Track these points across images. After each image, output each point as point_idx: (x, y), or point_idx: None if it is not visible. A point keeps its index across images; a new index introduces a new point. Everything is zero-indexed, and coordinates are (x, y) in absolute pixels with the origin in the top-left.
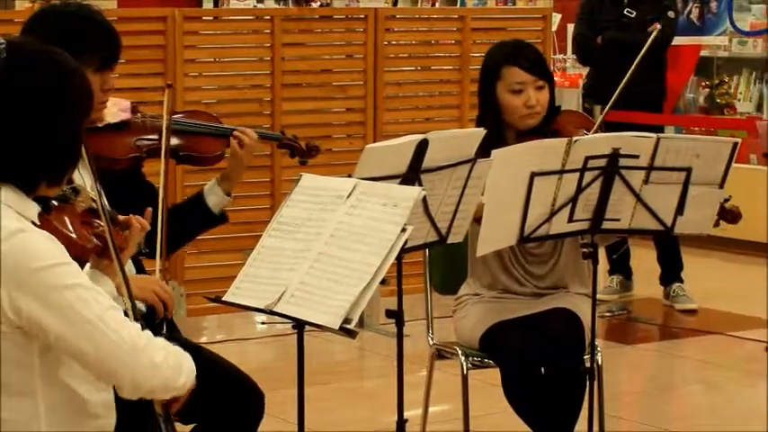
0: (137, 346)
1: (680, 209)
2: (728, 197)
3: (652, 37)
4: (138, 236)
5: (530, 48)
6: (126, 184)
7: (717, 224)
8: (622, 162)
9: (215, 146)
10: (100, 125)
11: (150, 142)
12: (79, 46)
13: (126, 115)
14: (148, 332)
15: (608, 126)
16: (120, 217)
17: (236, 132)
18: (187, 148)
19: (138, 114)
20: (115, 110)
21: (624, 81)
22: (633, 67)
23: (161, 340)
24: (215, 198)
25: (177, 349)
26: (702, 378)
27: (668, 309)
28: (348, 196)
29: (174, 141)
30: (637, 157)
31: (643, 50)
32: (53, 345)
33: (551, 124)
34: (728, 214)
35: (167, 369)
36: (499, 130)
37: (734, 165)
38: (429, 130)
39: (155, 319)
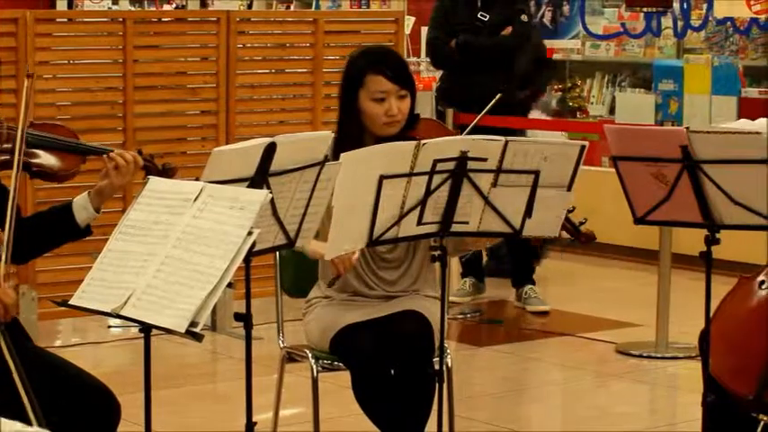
0: None
1: (528, 211)
2: (572, 208)
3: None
4: None
5: (394, 56)
6: None
7: (571, 245)
8: (470, 165)
9: (69, 163)
10: None
11: (3, 155)
12: None
13: None
14: None
15: (460, 129)
16: None
17: (112, 154)
18: (40, 164)
19: None
20: None
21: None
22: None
23: None
24: (85, 213)
25: None
26: (553, 379)
27: (520, 311)
28: (195, 199)
29: (29, 155)
30: (485, 160)
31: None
32: None
33: (410, 132)
34: (583, 237)
35: None
36: (359, 136)
37: (586, 167)
38: (282, 133)
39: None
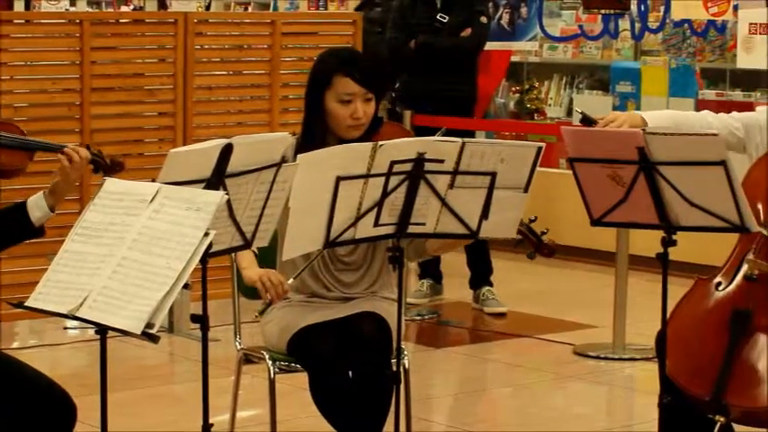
0: None
1: (485, 213)
2: (534, 218)
3: None
4: None
5: (363, 59)
6: None
7: (532, 257)
8: (427, 166)
9: (16, 160)
10: None
11: None
12: None
13: None
14: None
15: (418, 131)
16: None
17: (66, 149)
18: None
19: None
20: None
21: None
22: None
23: None
24: (39, 213)
25: None
26: (511, 380)
27: (478, 312)
28: (151, 201)
29: None
30: (442, 161)
31: None
32: None
33: (374, 136)
34: (546, 248)
35: None
36: (323, 136)
37: (544, 169)
38: (240, 135)
39: None
